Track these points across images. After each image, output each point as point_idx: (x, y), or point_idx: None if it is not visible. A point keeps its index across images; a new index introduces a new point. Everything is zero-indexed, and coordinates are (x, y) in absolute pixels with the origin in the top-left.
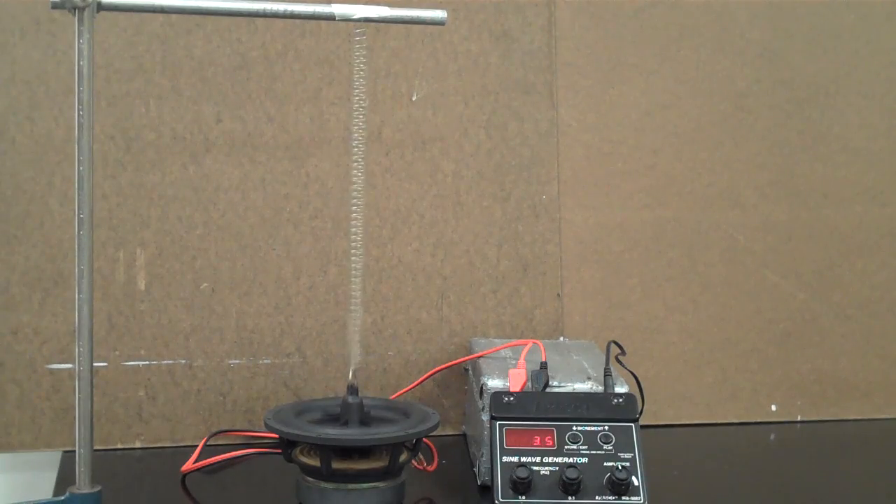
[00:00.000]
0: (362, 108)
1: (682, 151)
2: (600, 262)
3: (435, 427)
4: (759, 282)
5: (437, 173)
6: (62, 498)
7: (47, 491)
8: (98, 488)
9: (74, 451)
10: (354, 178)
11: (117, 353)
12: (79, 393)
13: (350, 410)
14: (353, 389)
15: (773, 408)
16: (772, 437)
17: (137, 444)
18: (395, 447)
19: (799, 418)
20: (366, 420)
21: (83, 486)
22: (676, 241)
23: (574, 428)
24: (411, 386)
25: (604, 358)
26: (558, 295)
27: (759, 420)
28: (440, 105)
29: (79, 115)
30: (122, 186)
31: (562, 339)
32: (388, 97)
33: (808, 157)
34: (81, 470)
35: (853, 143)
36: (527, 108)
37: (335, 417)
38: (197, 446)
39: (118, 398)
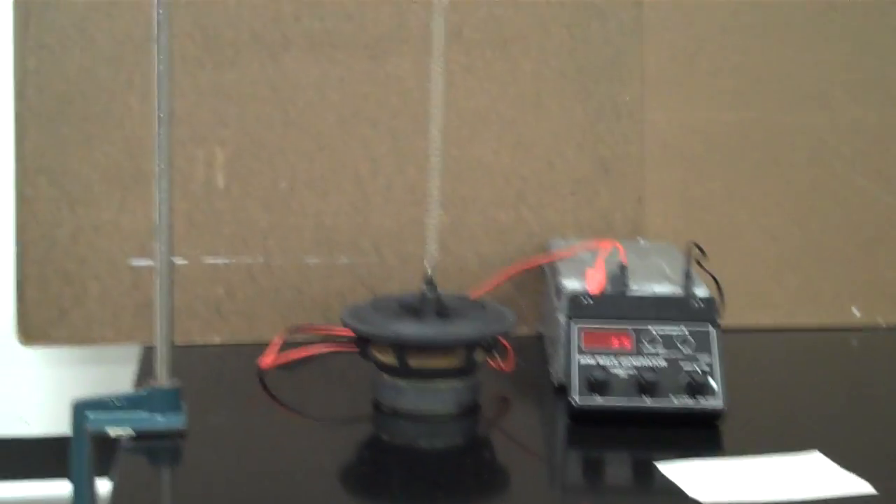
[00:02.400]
0: (443, 5)
1: (769, 51)
2: (682, 164)
3: (512, 326)
4: (846, 185)
5: (517, 73)
6: (142, 392)
7: (128, 384)
8: (177, 383)
9: (154, 347)
10: (434, 78)
11: (197, 250)
12: (159, 289)
13: (427, 304)
14: (430, 282)
15: (856, 312)
16: (853, 341)
17: (216, 340)
18: (471, 346)
19: (882, 323)
20: (443, 314)
21: (163, 380)
22: (761, 143)
23: (652, 330)
24: (489, 286)
25: (683, 261)
26: (639, 197)
27: (840, 324)
28: (521, 4)
29: (157, 12)
30: (201, 84)
31: (641, 241)
32: None
33: None
34: (161, 365)
35: None
36: (610, 6)
37: (412, 310)
38: (275, 342)
39: (198, 295)
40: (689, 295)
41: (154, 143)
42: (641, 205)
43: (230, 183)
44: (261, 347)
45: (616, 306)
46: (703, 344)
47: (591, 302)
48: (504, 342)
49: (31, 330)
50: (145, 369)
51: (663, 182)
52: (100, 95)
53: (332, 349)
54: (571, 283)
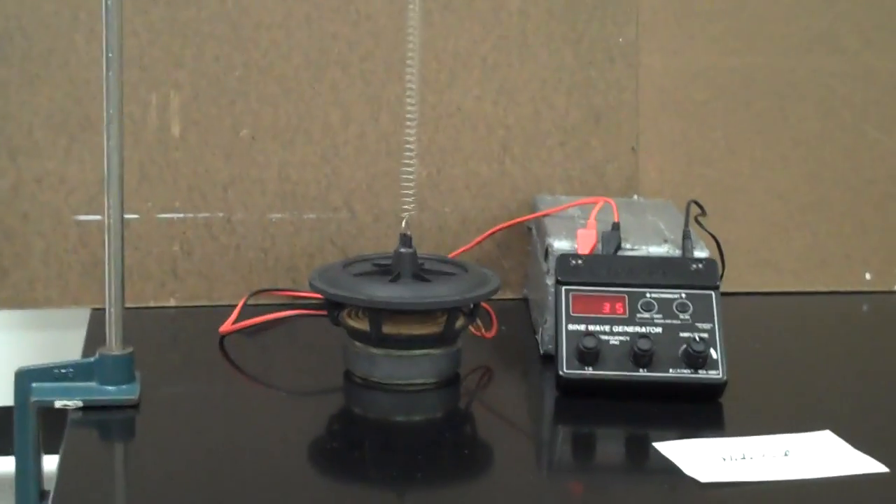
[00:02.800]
0: None
1: None
2: (681, 113)
3: (495, 290)
4: (858, 137)
5: (501, 12)
6: (91, 359)
7: (76, 351)
8: (130, 349)
9: (104, 310)
10: (410, 16)
11: (150, 204)
12: (108, 247)
13: (403, 265)
14: (406, 239)
15: (868, 276)
16: (864, 307)
17: (172, 303)
18: (451, 311)
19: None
20: (420, 276)
21: (114, 346)
22: (767, 90)
23: (648, 295)
24: (469, 245)
25: (682, 219)
26: (633, 149)
27: (851, 289)
28: None
29: None
30: (154, 22)
31: (636, 197)
32: None
33: None
34: (112, 330)
35: None
36: None
37: (387, 272)
38: (236, 306)
39: (151, 253)
40: (687, 256)
41: (103, 87)
42: (636, 157)
43: (186, 131)
44: (221, 311)
45: (608, 268)
46: (703, 310)
47: (581, 263)
48: (487, 307)
49: None
50: (94, 335)
51: (660, 133)
52: (42, 33)
53: (296, 314)
54: (560, 243)
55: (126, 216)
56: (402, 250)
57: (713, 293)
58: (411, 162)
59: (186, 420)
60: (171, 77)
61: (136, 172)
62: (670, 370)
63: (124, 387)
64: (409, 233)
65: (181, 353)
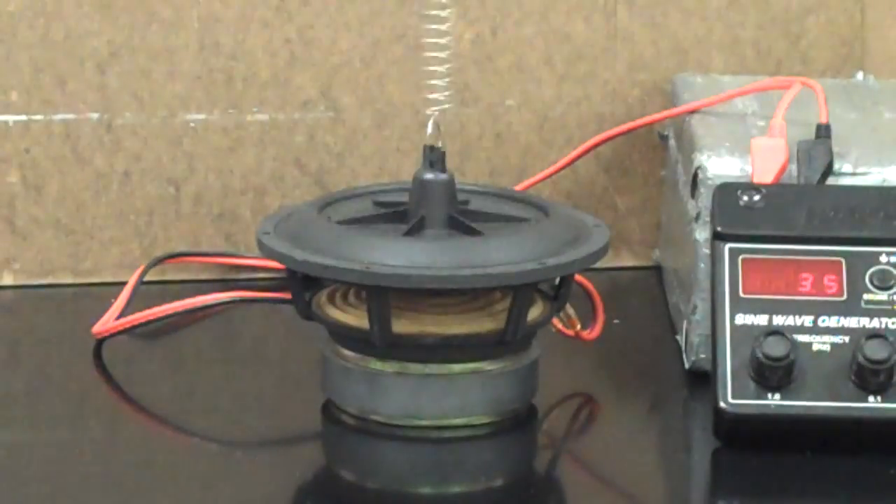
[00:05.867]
0: None
1: None
2: None
3: (601, 253)
4: None
5: None
6: None
7: None
8: None
9: None
10: None
11: None
12: None
13: (429, 200)
14: (434, 153)
15: None
16: None
17: (7, 280)
18: (518, 292)
19: None
20: (460, 224)
21: None
22: None
23: (884, 259)
24: (553, 169)
25: None
26: None
27: None
28: None
29: None
30: None
31: (861, 76)
32: None
33: None
34: None
35: None
36: None
37: (399, 216)
38: (123, 285)
39: None
40: None
41: None
42: (860, 0)
43: None
44: (96, 294)
45: (810, 210)
46: None
47: (760, 201)
48: (585, 283)
49: None
50: None
51: None
52: None
53: (235, 297)
54: (719, 163)
55: None
56: (428, 177)
57: None
58: (443, 13)
59: (36, 494)
60: None
61: None
62: None
63: None
64: (440, 144)
65: (26, 372)
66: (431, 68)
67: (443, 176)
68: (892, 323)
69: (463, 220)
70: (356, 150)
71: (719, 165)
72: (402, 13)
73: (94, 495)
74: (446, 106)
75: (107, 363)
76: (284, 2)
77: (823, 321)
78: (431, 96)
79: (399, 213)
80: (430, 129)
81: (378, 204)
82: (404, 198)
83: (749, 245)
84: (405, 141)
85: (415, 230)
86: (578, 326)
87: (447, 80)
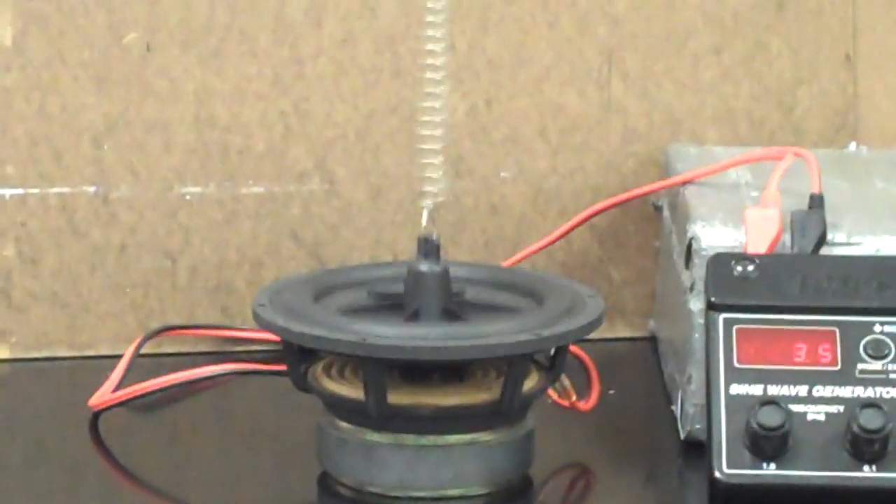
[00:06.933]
0: None
1: None
2: None
3: (595, 324)
4: None
5: None
6: None
7: None
8: None
9: None
10: None
11: None
12: None
13: (423, 287)
14: (429, 244)
15: None
16: None
17: (3, 354)
18: (514, 363)
19: None
20: (454, 309)
21: None
22: None
23: (878, 329)
24: (548, 240)
25: None
26: (847, 56)
27: None
28: None
29: None
30: None
31: (853, 146)
32: None
33: None
34: None
35: None
36: None
37: (393, 303)
38: (119, 358)
39: None
40: None
41: None
42: (852, 72)
43: (25, 35)
44: (93, 367)
45: (804, 280)
46: None
47: (755, 271)
48: (580, 355)
49: None
50: None
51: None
52: None
53: (231, 369)
54: (713, 234)
55: None
56: (423, 269)
57: None
58: (438, 89)
59: None
60: None
61: None
62: None
63: None
64: (435, 235)
65: (22, 445)
66: (426, 142)
67: (437, 268)
68: (887, 392)
69: (455, 301)
70: (351, 223)
71: (713, 236)
72: (396, 85)
73: None
74: (441, 180)
75: (103, 436)
76: (279, 75)
77: (818, 391)
78: (426, 168)
79: (395, 305)
80: (424, 221)
81: (373, 294)
82: (399, 286)
83: (743, 315)
84: (400, 213)
85: (410, 315)
86: (574, 397)
87: (441, 152)
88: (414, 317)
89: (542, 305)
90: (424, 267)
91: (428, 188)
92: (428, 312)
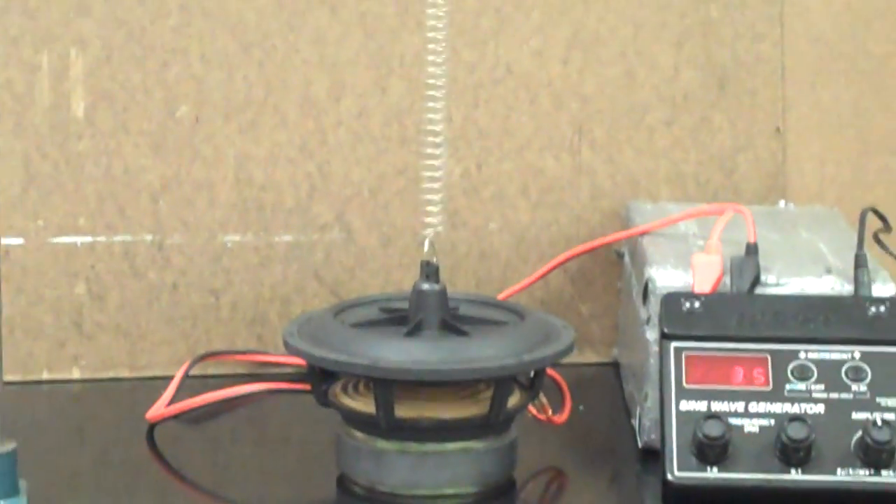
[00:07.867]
0: None
1: None
2: (850, 73)
3: (568, 350)
4: None
5: None
6: None
7: None
8: (11, 446)
9: None
10: None
11: (41, 223)
12: None
13: (425, 306)
14: (430, 267)
15: None
16: None
17: (75, 374)
18: (500, 383)
19: None
20: (451, 326)
21: None
22: None
23: (803, 355)
24: (528, 281)
25: (853, 237)
26: (777, 129)
27: None
28: None
29: None
30: None
31: (783, 204)
32: None
33: None
34: None
35: None
36: None
37: (400, 319)
38: (171, 378)
39: (44, 297)
40: (863, 295)
41: None
42: (782, 142)
43: (94, 109)
44: (149, 386)
45: (742, 315)
46: (887, 377)
47: (700, 307)
48: (555, 376)
49: None
50: None
51: (819, 103)
52: None
53: (265, 388)
54: (666, 276)
55: (4, 241)
56: (425, 287)
57: None
58: (437, 152)
59: None
60: (71, 28)
61: (20, 173)
62: (839, 471)
63: (2, 502)
64: (434, 260)
65: (90, 452)
66: (428, 197)
67: (436, 287)
68: (811, 408)
69: (453, 323)
70: (366, 266)
71: (666, 278)
72: (403, 152)
73: None
74: (439, 228)
75: (158, 444)
76: (306, 142)
77: (753, 407)
78: (427, 220)
79: (401, 318)
80: (426, 248)
81: (383, 310)
82: (405, 304)
83: (691, 344)
84: (406, 257)
85: (414, 331)
86: (550, 412)
87: (439, 205)
88: (417, 328)
89: (524, 322)
90: (426, 286)
91: (428, 230)
92: (429, 324)
